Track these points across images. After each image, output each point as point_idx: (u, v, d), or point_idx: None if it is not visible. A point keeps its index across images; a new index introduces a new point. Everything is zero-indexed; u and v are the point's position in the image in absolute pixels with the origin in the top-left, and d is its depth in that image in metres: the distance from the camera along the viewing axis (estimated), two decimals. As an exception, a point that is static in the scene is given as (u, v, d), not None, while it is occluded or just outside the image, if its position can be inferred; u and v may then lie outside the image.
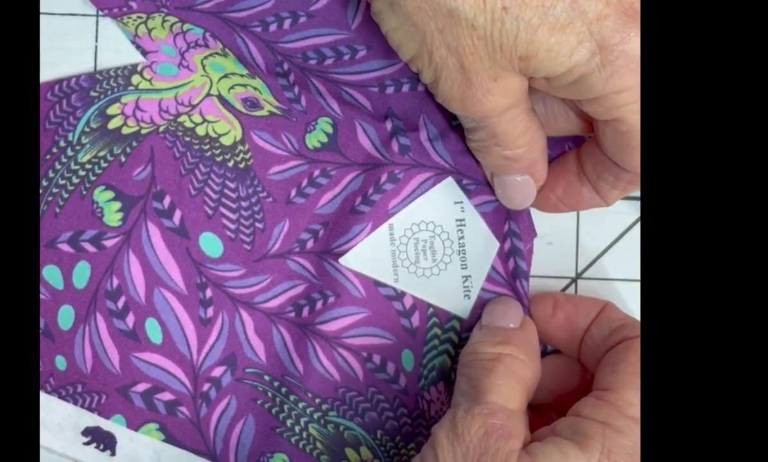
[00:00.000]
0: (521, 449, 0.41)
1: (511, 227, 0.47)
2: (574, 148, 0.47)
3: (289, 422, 0.48)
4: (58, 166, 0.48)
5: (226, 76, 0.48)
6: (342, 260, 0.47)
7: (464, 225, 0.47)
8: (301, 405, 0.48)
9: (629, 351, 0.42)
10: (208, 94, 0.48)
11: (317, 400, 0.48)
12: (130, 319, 0.48)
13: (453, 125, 0.48)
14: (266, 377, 0.48)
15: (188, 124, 0.48)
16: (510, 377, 0.43)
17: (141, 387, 0.48)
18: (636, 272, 0.49)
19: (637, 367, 0.41)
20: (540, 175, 0.45)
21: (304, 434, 0.48)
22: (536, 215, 0.48)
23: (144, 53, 0.48)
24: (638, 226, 0.49)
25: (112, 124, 0.48)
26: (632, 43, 0.38)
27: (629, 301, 0.49)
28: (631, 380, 0.41)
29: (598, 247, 0.49)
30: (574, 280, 0.49)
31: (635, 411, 0.40)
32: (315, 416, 0.48)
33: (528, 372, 0.44)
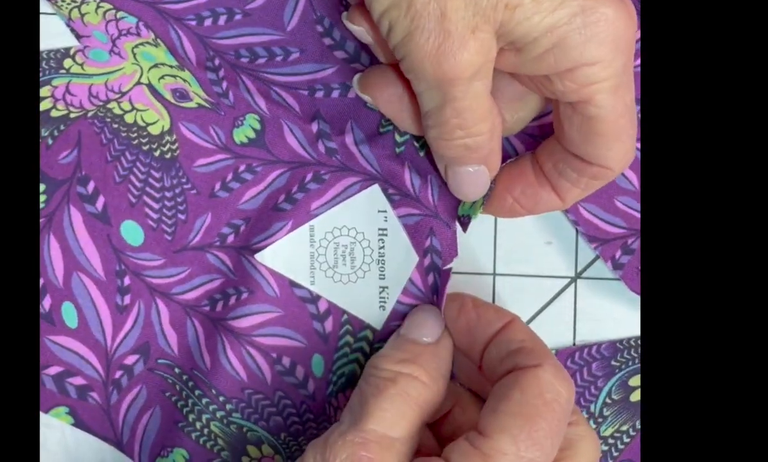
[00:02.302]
0: None
1: (432, 243, 0.47)
2: (529, 152, 0.46)
3: (191, 417, 0.48)
4: None
5: (156, 65, 0.48)
6: (258, 256, 0.47)
7: (386, 235, 0.47)
8: (204, 401, 0.48)
9: (515, 385, 0.41)
10: (138, 83, 0.48)
11: (221, 398, 0.48)
12: (47, 302, 0.48)
13: (381, 131, 0.47)
14: (176, 369, 0.49)
15: (117, 111, 0.48)
16: (401, 401, 0.42)
17: (53, 370, 0.49)
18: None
19: (519, 407, 0.40)
20: (495, 165, 0.44)
21: (205, 431, 0.48)
22: (536, 215, 0.48)
23: (78, 37, 0.48)
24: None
25: (42, 106, 0.48)
26: (611, 9, 0.38)
27: (629, 301, 0.49)
28: (509, 424, 0.40)
29: (598, 247, 0.49)
30: (573, 280, 0.49)
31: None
32: (218, 415, 0.48)
33: (426, 395, 0.42)
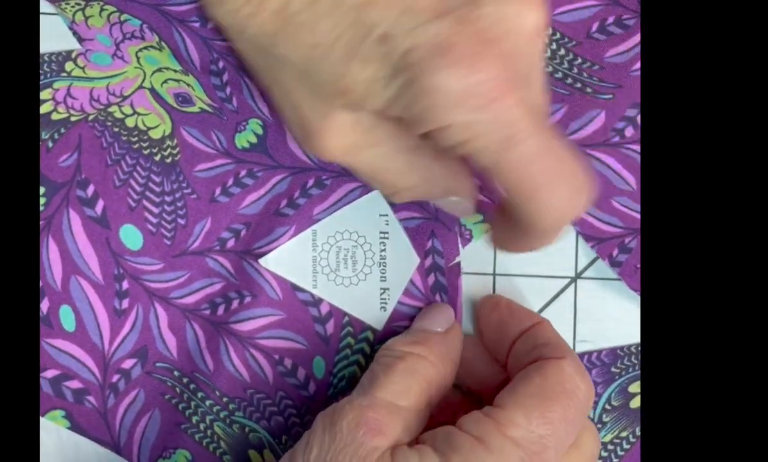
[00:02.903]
0: (391, 449, 0.40)
1: (434, 244, 0.47)
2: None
3: (194, 419, 0.48)
4: None
5: (159, 70, 0.48)
6: (262, 261, 0.47)
7: (387, 238, 0.47)
8: (207, 403, 0.48)
9: (537, 372, 0.41)
10: (141, 87, 0.48)
11: (224, 399, 0.47)
12: (45, 305, 0.48)
13: (382, 137, 0.48)
14: (176, 373, 0.48)
15: (118, 115, 0.48)
16: (408, 376, 0.42)
17: (50, 373, 0.48)
18: (636, 272, 0.49)
19: (538, 389, 0.41)
20: (465, 192, 0.43)
21: (209, 432, 0.48)
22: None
23: (80, 40, 0.48)
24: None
25: (43, 109, 0.48)
26: (441, 79, 0.35)
27: (629, 301, 0.49)
28: (526, 401, 0.40)
29: (598, 247, 0.49)
30: (573, 280, 0.49)
31: (517, 432, 0.39)
32: (221, 415, 0.48)
33: (433, 373, 0.43)
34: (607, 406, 0.49)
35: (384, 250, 0.47)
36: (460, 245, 0.47)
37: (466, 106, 0.35)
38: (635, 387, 0.49)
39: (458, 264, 0.47)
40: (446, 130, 0.36)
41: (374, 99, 0.37)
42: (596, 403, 0.49)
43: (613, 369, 0.49)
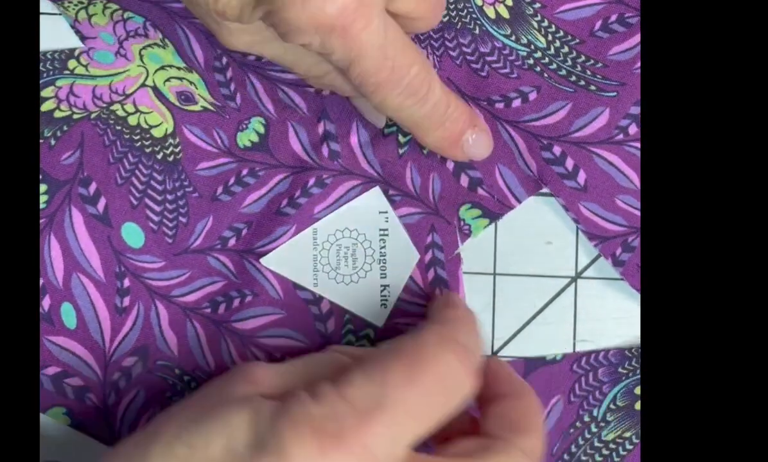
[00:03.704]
0: None
1: (434, 239, 0.47)
2: None
3: None
4: None
5: (162, 67, 0.48)
6: (263, 260, 0.47)
7: (387, 235, 0.47)
8: None
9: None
10: (143, 85, 0.48)
11: None
12: (46, 302, 0.48)
13: (384, 132, 0.48)
14: (177, 371, 0.48)
15: (120, 113, 0.48)
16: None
17: (51, 370, 0.48)
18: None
19: (386, 351, 0.40)
20: (462, 117, 0.45)
21: None
22: (536, 214, 0.48)
23: (82, 38, 0.48)
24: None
25: (45, 107, 0.48)
26: (294, 12, 0.38)
27: (629, 301, 0.48)
28: (367, 363, 0.40)
29: (598, 247, 0.49)
30: (573, 280, 0.49)
31: (350, 390, 0.38)
32: None
33: None
34: (612, 406, 0.49)
35: (384, 247, 0.47)
36: (459, 239, 0.47)
37: (317, 34, 0.39)
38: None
39: (458, 255, 0.47)
40: (307, 45, 0.39)
41: (247, 19, 0.40)
42: (601, 401, 0.49)
43: (620, 369, 0.48)
